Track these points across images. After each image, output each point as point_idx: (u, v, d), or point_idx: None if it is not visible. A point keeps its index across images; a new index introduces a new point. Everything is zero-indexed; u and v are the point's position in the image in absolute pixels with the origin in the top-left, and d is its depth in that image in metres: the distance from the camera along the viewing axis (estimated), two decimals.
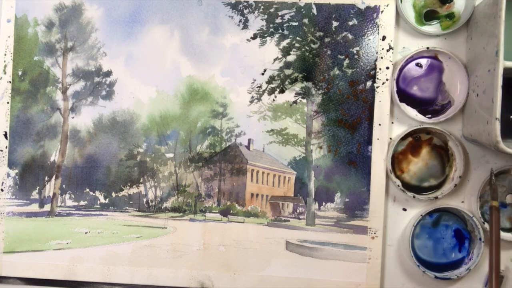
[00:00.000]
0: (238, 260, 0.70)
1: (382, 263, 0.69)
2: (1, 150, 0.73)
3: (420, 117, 0.67)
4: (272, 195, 0.72)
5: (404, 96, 0.68)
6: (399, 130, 0.69)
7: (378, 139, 0.69)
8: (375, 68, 0.69)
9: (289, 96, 0.71)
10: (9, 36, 0.73)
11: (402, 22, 0.69)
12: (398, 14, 0.68)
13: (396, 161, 0.68)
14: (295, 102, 0.71)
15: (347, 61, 0.70)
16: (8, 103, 0.73)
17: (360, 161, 0.69)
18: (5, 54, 0.73)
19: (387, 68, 0.68)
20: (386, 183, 0.69)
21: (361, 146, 0.69)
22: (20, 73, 0.73)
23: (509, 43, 0.57)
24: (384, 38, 0.68)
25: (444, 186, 0.67)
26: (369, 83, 0.69)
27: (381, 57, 0.69)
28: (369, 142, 0.69)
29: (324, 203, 0.71)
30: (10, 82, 0.73)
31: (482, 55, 0.60)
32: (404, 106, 0.67)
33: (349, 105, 0.70)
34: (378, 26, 0.69)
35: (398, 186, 0.67)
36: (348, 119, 0.70)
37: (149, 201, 0.73)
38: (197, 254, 0.71)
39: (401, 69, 0.68)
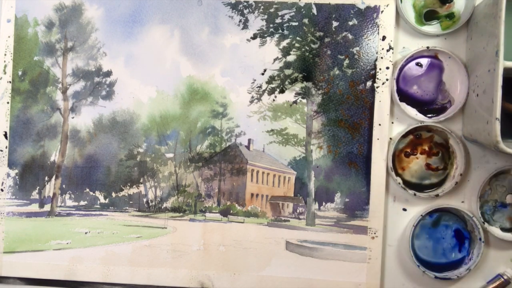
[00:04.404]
0: (238, 260, 0.70)
1: (382, 263, 0.69)
2: (1, 150, 0.73)
3: (420, 116, 0.67)
4: (272, 195, 0.72)
5: (404, 95, 0.68)
6: (399, 130, 0.69)
7: (378, 139, 0.69)
8: (375, 68, 0.69)
9: (289, 96, 0.71)
10: (9, 36, 0.73)
11: (402, 22, 0.69)
12: (398, 14, 0.68)
13: (397, 160, 0.68)
14: (295, 102, 0.71)
15: (347, 61, 0.69)
16: (8, 103, 0.73)
17: (360, 161, 0.69)
18: (5, 54, 0.73)
19: (387, 68, 0.68)
20: (386, 183, 0.69)
21: (361, 146, 0.69)
22: (20, 73, 0.73)
23: (509, 43, 0.57)
24: (384, 38, 0.68)
25: (445, 184, 0.67)
26: (369, 83, 0.69)
27: (381, 57, 0.68)
28: (369, 142, 0.69)
29: (324, 203, 0.70)
30: (10, 82, 0.73)
31: (482, 55, 0.60)
32: (404, 105, 0.67)
33: (349, 105, 0.69)
34: (378, 26, 0.69)
35: (399, 184, 0.67)
36: (348, 119, 0.70)
37: (149, 201, 0.73)
38: (197, 254, 0.71)
39: (401, 69, 0.68)
